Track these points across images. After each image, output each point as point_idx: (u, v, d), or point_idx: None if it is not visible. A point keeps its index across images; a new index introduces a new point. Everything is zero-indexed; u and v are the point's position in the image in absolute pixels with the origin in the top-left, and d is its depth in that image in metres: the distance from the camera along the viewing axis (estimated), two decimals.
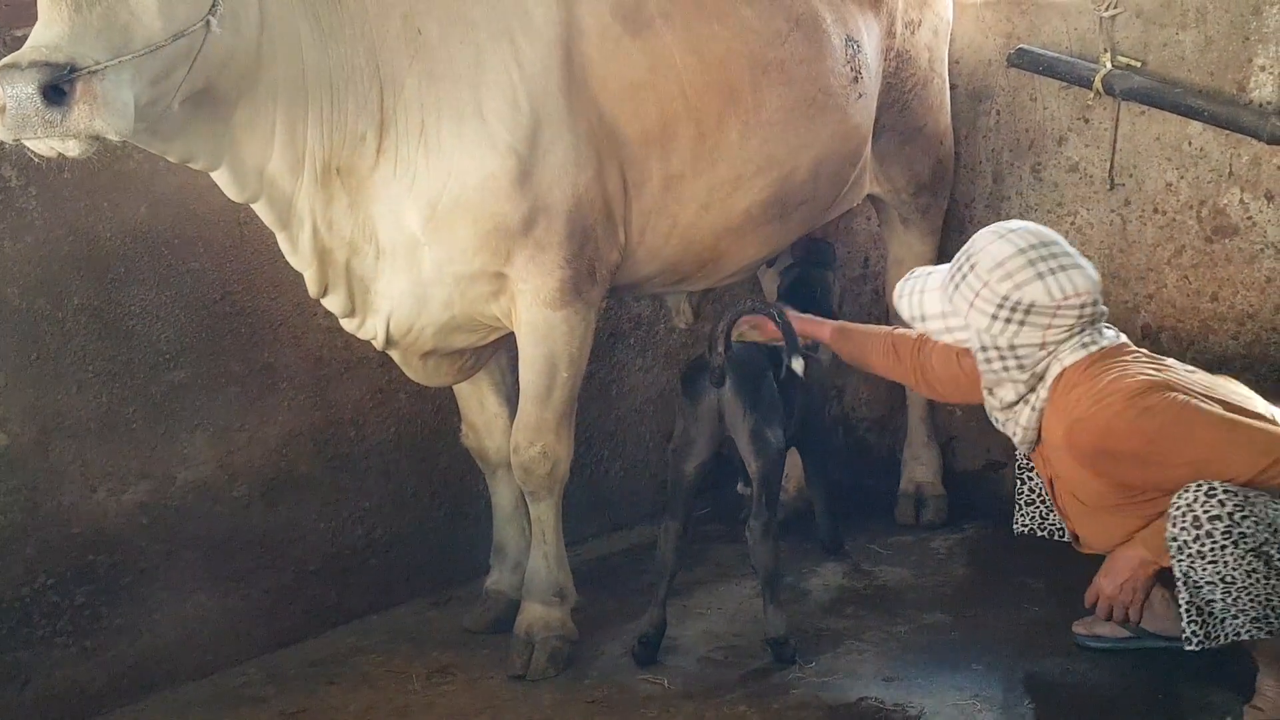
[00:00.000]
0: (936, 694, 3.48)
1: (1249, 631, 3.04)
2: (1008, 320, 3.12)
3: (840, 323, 3.82)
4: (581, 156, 3.40)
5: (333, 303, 3.41)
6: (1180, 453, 3.01)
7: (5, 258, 3.28)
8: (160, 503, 3.58)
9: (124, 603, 3.52)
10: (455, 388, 3.82)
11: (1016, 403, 3.25)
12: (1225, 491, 2.96)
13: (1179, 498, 3.01)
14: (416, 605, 4.08)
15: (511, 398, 3.76)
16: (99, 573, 3.48)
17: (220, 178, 3.16)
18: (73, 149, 2.71)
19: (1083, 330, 3.14)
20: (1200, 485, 2.99)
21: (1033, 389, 3.20)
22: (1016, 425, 3.27)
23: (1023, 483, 3.67)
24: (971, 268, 3.17)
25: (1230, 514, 2.96)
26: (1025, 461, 3.62)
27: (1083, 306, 3.11)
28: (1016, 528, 3.70)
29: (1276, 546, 2.95)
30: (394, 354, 3.59)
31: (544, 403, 3.53)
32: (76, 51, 2.65)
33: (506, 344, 3.66)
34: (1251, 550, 2.95)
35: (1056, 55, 4.41)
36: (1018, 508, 3.69)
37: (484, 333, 3.56)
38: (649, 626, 3.67)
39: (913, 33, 4.25)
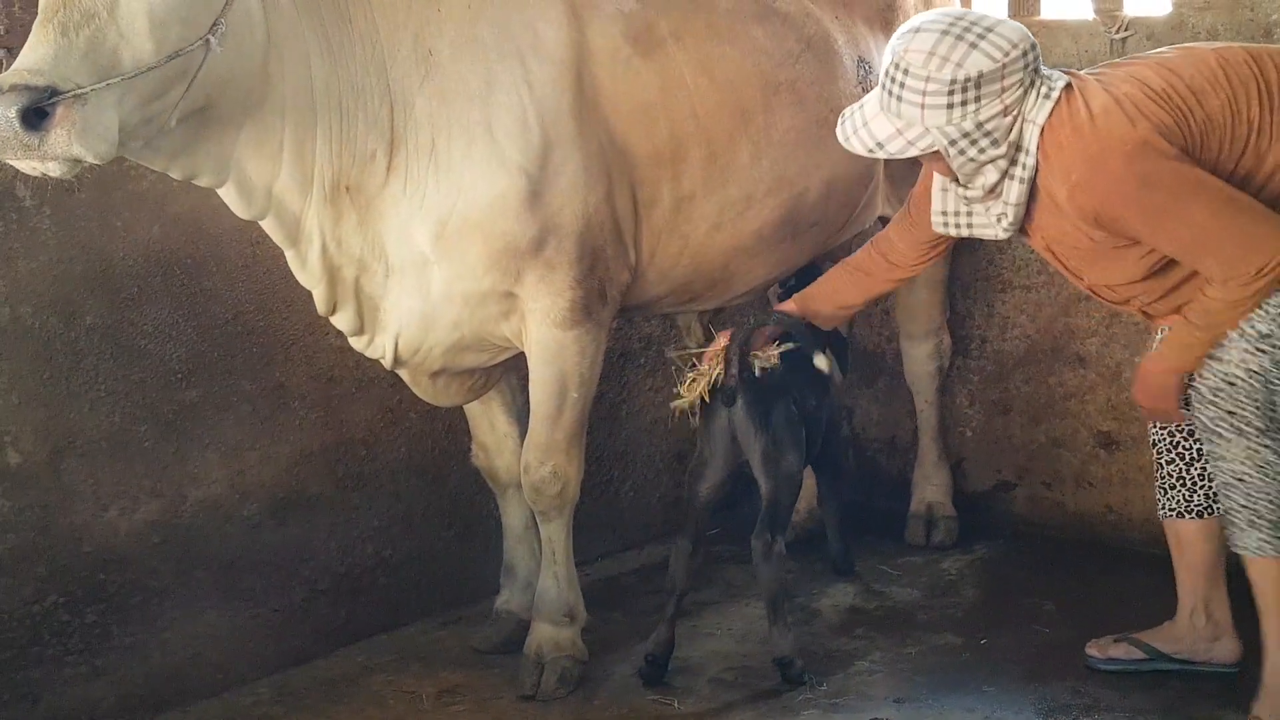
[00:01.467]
0: (947, 716, 3.47)
1: (1273, 546, 3.13)
2: (964, 102, 3.02)
3: (797, 295, 3.74)
4: (592, 177, 3.41)
5: (341, 320, 3.42)
6: (1175, 229, 3.00)
7: (19, 277, 3.29)
8: (171, 522, 3.58)
9: (134, 621, 3.53)
10: (466, 407, 3.82)
11: (1000, 180, 3.13)
12: (1215, 393, 3.10)
13: (1191, 407, 3.17)
14: (426, 625, 4.07)
15: (522, 418, 3.76)
16: (110, 591, 3.48)
17: (227, 194, 3.17)
18: (54, 170, 2.72)
19: (1034, 81, 3.06)
20: (1195, 394, 3.15)
21: (1014, 160, 3.10)
22: (1006, 205, 3.14)
23: (1160, 466, 3.55)
24: (905, 72, 3.04)
25: (1231, 411, 3.10)
26: (1159, 436, 3.51)
27: (1025, 55, 3.04)
28: (1161, 513, 3.57)
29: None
30: (403, 373, 3.60)
31: (554, 423, 3.53)
32: (59, 75, 2.66)
33: (517, 364, 3.66)
34: (1258, 432, 3.08)
35: None
36: (1161, 491, 3.56)
37: (493, 352, 3.57)
38: (656, 646, 3.67)
39: None
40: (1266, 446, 3.11)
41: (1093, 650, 3.68)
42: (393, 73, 3.24)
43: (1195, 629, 3.56)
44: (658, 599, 3.74)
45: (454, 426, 4.06)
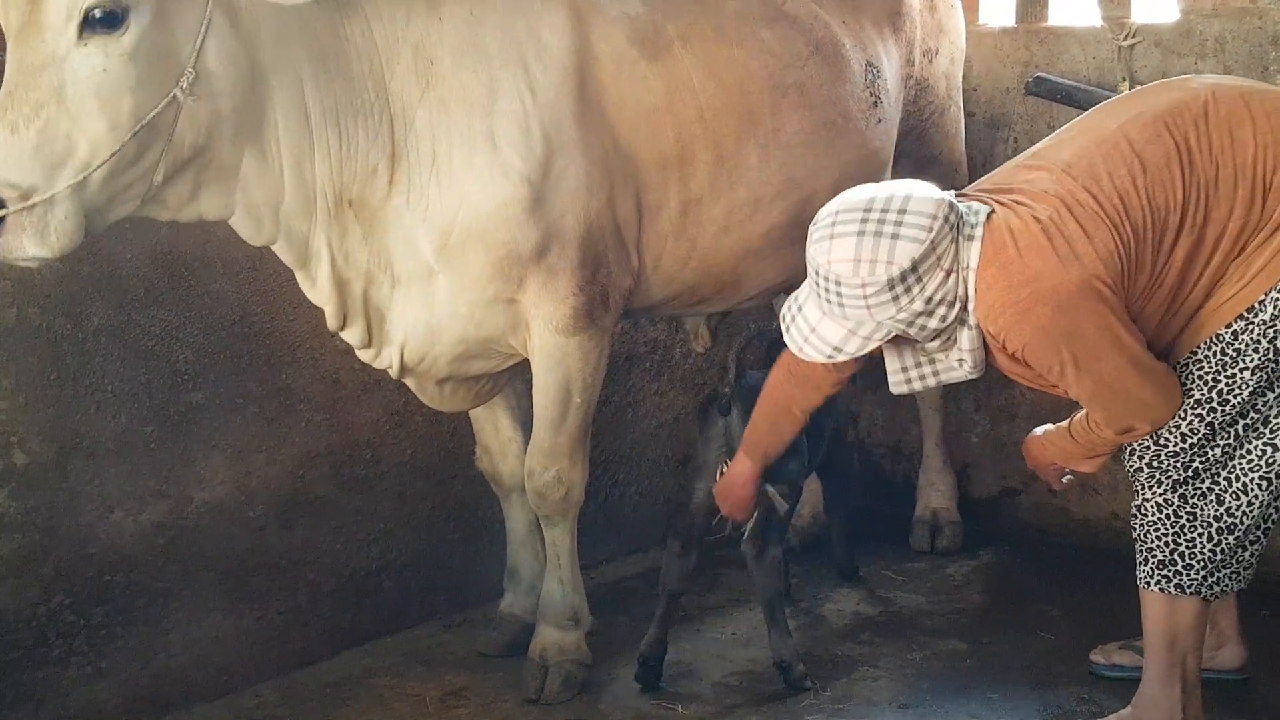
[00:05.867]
0: None
1: (1157, 583, 3.14)
2: (907, 289, 2.89)
3: (746, 433, 3.51)
4: (594, 183, 3.40)
5: (351, 335, 3.41)
6: (1081, 379, 2.95)
7: (27, 278, 3.28)
8: (177, 523, 3.58)
9: (140, 623, 3.53)
10: (471, 411, 3.82)
11: (953, 330, 3.01)
12: (1142, 446, 3.09)
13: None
14: (431, 627, 4.07)
15: (526, 422, 3.76)
16: (115, 593, 3.48)
17: (236, 224, 3.17)
18: (20, 265, 2.74)
19: (960, 229, 2.94)
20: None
21: (964, 307, 2.98)
22: (962, 352, 3.04)
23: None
24: (837, 284, 2.91)
25: (1152, 464, 3.08)
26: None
27: (946, 219, 2.91)
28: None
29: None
30: (410, 381, 3.59)
31: (558, 428, 3.53)
32: (7, 179, 2.65)
33: (522, 369, 3.66)
34: (1173, 484, 3.07)
35: (1075, 83, 4.41)
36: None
37: (499, 360, 3.56)
38: (648, 647, 3.66)
39: (930, 61, 4.26)
40: (1179, 495, 3.09)
41: (1097, 657, 3.68)
42: (392, 86, 3.22)
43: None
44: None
45: (459, 429, 4.07)
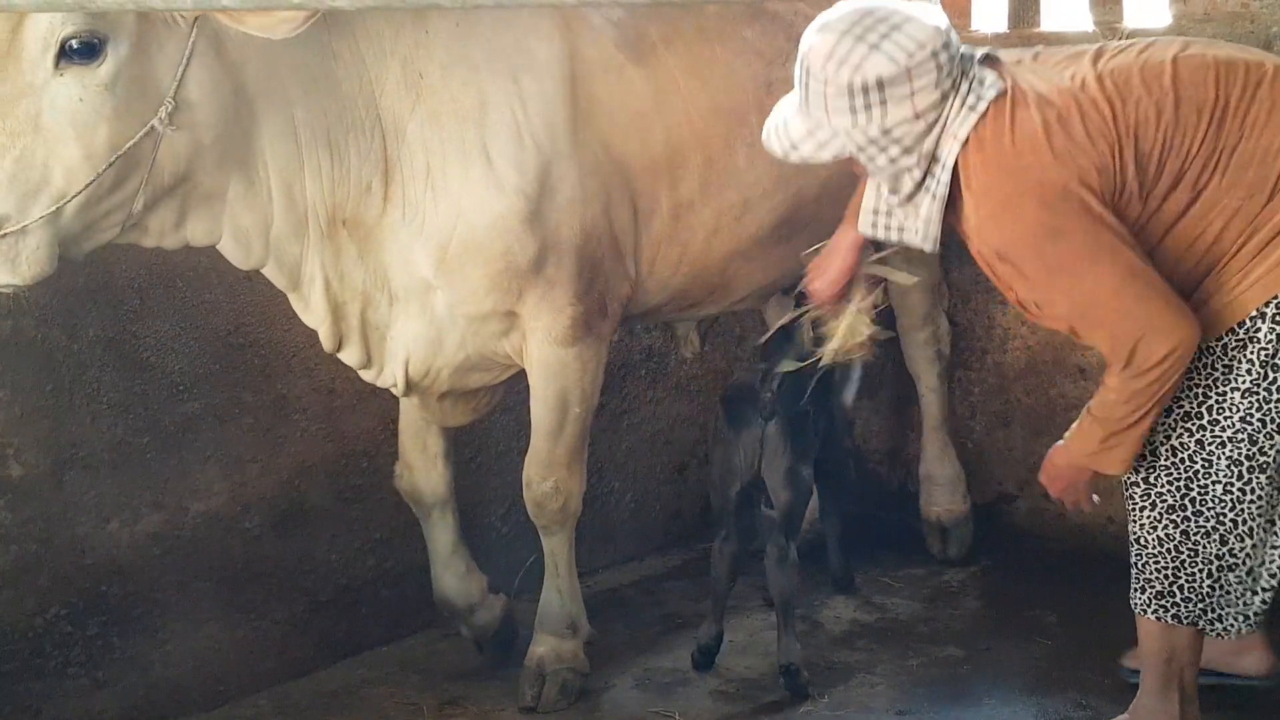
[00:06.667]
0: None
1: (1154, 612, 3.09)
2: (866, 106, 2.77)
3: (852, 201, 3.38)
4: (589, 192, 3.40)
5: (349, 356, 3.40)
6: (1072, 290, 2.81)
7: (22, 289, 3.29)
8: (173, 534, 3.59)
9: (136, 633, 3.53)
10: (401, 427, 3.77)
11: (916, 192, 2.89)
12: (1138, 459, 3.00)
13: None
14: (428, 636, 4.07)
15: (454, 440, 3.74)
16: (111, 603, 3.48)
17: (225, 249, 3.15)
18: None
19: (955, 84, 2.80)
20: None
21: (928, 172, 2.84)
22: (917, 220, 2.90)
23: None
24: (809, 73, 2.81)
25: (1146, 480, 3.03)
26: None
27: (935, 56, 2.76)
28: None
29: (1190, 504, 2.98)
30: (414, 399, 3.58)
31: (556, 438, 3.52)
32: None
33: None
34: (1167, 509, 3.01)
35: None
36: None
37: (499, 371, 3.56)
38: (707, 638, 3.79)
39: None
40: (1173, 523, 3.02)
41: (1126, 661, 3.61)
42: (382, 102, 3.20)
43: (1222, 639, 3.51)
44: (659, 611, 3.75)
45: (456, 438, 4.05)
